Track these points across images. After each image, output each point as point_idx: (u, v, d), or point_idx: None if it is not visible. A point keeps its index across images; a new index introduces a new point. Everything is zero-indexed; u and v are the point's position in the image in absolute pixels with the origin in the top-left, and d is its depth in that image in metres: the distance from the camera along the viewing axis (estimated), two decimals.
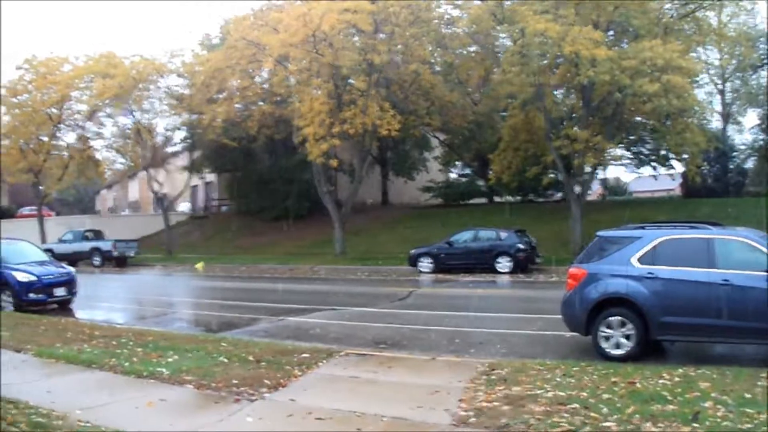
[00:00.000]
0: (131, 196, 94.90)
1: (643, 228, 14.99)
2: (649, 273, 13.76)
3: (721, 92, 57.82)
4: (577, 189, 41.39)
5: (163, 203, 58.27)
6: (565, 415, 9.13)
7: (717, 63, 52.96)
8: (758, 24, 51.01)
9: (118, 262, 49.12)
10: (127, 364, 12.92)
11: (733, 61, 52.07)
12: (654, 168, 55.12)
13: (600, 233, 15.57)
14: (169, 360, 13.32)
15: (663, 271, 13.68)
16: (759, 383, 10.59)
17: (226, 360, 13.40)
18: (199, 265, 44.06)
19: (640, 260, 13.97)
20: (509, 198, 57.10)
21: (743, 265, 13.29)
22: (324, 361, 13.33)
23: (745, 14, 48.58)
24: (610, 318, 13.93)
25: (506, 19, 37.11)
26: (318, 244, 49.53)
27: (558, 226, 41.58)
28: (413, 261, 37.07)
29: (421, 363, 13.59)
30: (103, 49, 52.04)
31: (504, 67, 38.18)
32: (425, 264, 36.46)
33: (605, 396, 9.98)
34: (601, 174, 58.97)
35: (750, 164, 58.77)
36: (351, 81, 43.96)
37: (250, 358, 13.57)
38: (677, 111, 37.25)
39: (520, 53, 36.29)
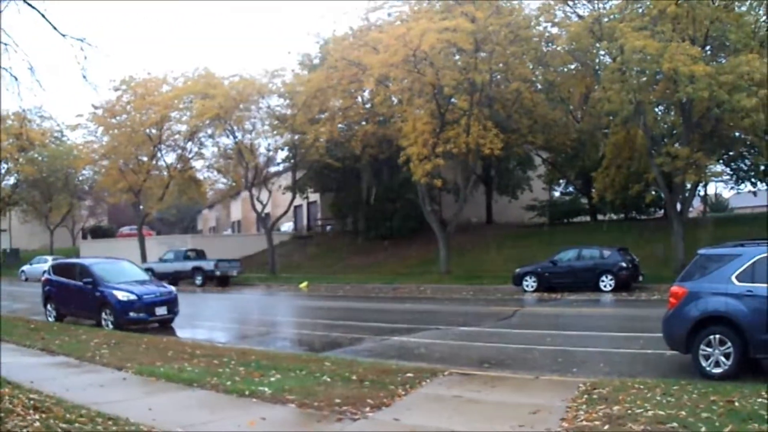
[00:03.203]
0: (233, 216, 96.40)
1: (742, 245, 14.79)
2: (749, 291, 13.54)
3: None
4: (679, 206, 40.65)
5: (266, 223, 58.85)
6: None
7: None
8: None
9: (220, 281, 49.40)
10: (228, 383, 13.11)
11: None
12: (754, 184, 53.57)
13: (701, 251, 15.44)
14: (272, 379, 13.50)
15: (762, 288, 13.36)
16: None
17: (328, 379, 13.51)
18: (303, 285, 44.39)
19: (739, 278, 13.77)
20: (612, 216, 56.93)
21: None
22: (428, 381, 13.41)
23: None
24: (710, 336, 13.78)
25: (605, 36, 36.79)
26: (423, 263, 49.63)
27: (660, 244, 41.20)
28: (518, 280, 36.96)
29: (524, 382, 13.67)
30: (201, 69, 52.12)
31: (604, 84, 37.79)
32: (530, 283, 36.36)
33: (704, 415, 9.89)
34: (701, 191, 58.02)
35: None
36: (453, 100, 43.89)
37: (354, 377, 13.66)
38: None
39: (620, 70, 36.10)
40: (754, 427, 9.20)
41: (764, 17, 38.25)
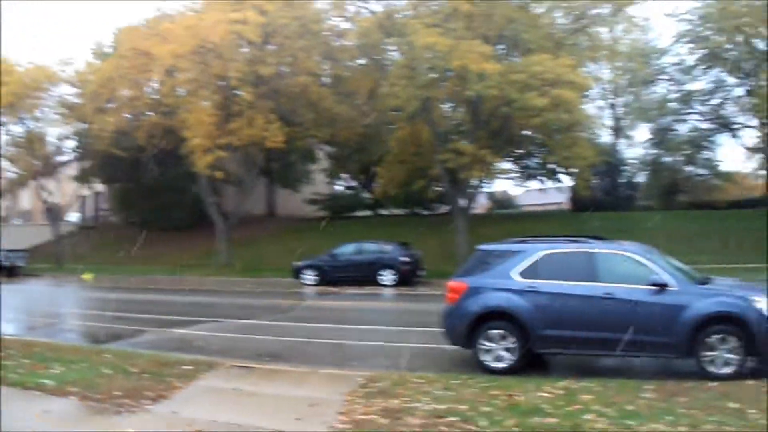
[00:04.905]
0: (22, 205, 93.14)
1: (524, 242, 15.29)
2: (531, 287, 14.04)
3: (613, 107, 59.14)
4: (463, 202, 41.81)
5: (53, 213, 57.45)
6: (443, 428, 9.28)
7: (609, 78, 54.28)
8: (651, 40, 52.68)
9: (8, 272, 47.54)
10: (12, 375, 12.69)
11: (626, 76, 53.51)
12: (542, 182, 55.21)
13: (480, 247, 15.90)
14: (55, 371, 13.13)
15: (545, 284, 13.99)
16: (642, 395, 10.86)
17: (109, 371, 13.25)
18: (87, 276, 42.90)
19: (522, 274, 14.22)
20: (395, 211, 57.74)
21: (626, 278, 13.67)
22: (207, 373, 13.32)
23: (639, 31, 49.37)
24: (491, 331, 14.08)
25: (396, 32, 37.43)
26: (205, 255, 49.26)
27: (444, 240, 41.75)
28: (297, 273, 37.13)
29: (302, 375, 13.64)
30: None
31: (392, 80, 38.06)
32: (309, 276, 36.58)
33: (485, 409, 10.10)
34: (488, 187, 59.38)
35: (641, 178, 59.79)
36: (239, 92, 43.67)
37: (134, 369, 13.45)
38: (566, 125, 38.01)
39: (409, 66, 36.70)
40: (537, 421, 9.43)
41: (560, 19, 39.76)
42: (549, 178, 53.68)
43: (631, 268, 13.81)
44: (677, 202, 54.79)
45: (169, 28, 41.67)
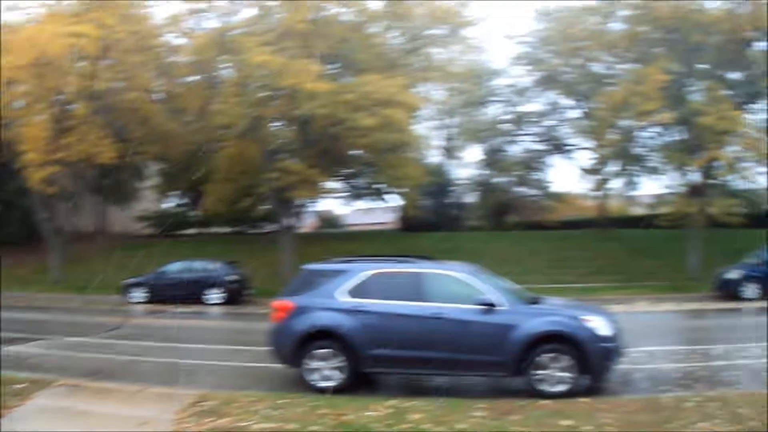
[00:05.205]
0: None
1: (351, 261, 15.36)
2: (358, 306, 14.10)
3: (446, 127, 59.43)
4: (289, 221, 42.12)
5: None
6: None
7: (443, 98, 54.30)
8: (487, 61, 53.36)
9: None
10: None
11: (460, 97, 53.99)
12: (370, 201, 55.49)
13: (306, 266, 15.86)
14: None
15: (372, 304, 14.06)
16: (473, 414, 11.10)
17: None
18: None
19: (350, 293, 14.30)
20: (221, 229, 57.44)
21: (454, 298, 13.87)
22: (39, 392, 13.05)
23: (475, 53, 50.09)
24: (318, 351, 14.09)
25: (230, 50, 37.13)
26: (36, 271, 47.71)
27: (271, 258, 41.57)
28: (126, 291, 36.57)
29: (132, 394, 13.53)
30: None
31: (222, 97, 37.87)
32: (138, 294, 36.02)
33: (314, 428, 10.32)
34: (315, 207, 58.98)
35: (472, 199, 60.63)
36: (73, 107, 42.14)
37: None
38: (395, 145, 38.63)
39: (241, 84, 36.72)
40: None
41: (397, 39, 40.59)
42: (376, 197, 53.79)
43: (458, 288, 14.03)
44: (508, 222, 56.60)
45: (10, 39, 39.82)
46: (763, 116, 40.75)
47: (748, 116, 40.57)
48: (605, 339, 13.35)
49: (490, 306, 13.49)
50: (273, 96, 38.09)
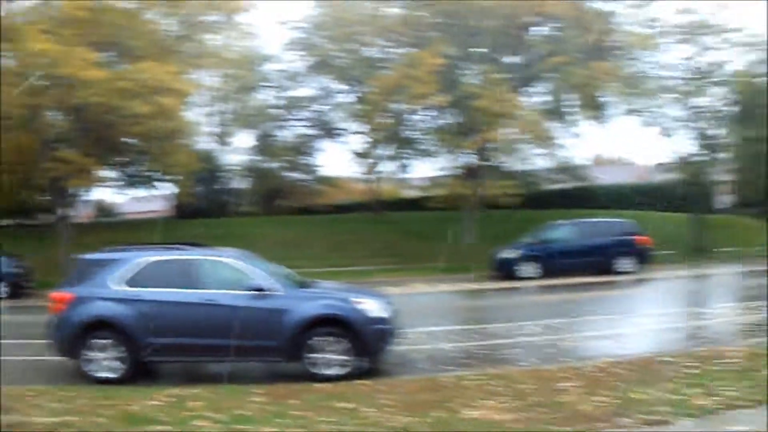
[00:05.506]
0: None
1: (126, 250, 15.12)
2: (134, 295, 13.96)
3: (220, 114, 58.58)
4: (63, 211, 41.32)
5: None
6: None
7: (217, 85, 54.11)
8: (259, 47, 53.03)
9: None
10: None
11: (234, 83, 53.64)
12: (145, 189, 53.84)
13: (82, 256, 15.44)
14: None
15: (147, 293, 13.96)
16: (252, 400, 11.11)
17: None
18: None
19: (128, 282, 14.13)
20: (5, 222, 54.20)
21: (226, 284, 14.06)
22: None
23: (249, 38, 50.36)
24: (97, 341, 13.78)
25: (9, 37, 35.30)
26: None
27: (50, 250, 39.92)
28: None
29: None
30: None
31: (2, 87, 35.89)
32: None
33: (99, 420, 10.05)
34: (89, 196, 55.44)
35: (244, 185, 60.65)
36: None
37: None
38: (167, 132, 38.01)
39: (18, 73, 35.44)
40: (152, 429, 9.51)
41: (173, 26, 40.80)
42: (148, 185, 52.72)
43: (230, 274, 14.19)
44: (281, 207, 56.80)
45: None
46: (540, 99, 42.66)
47: (525, 99, 42.32)
48: (379, 320, 13.69)
49: (261, 291, 13.70)
50: (51, 85, 36.77)
